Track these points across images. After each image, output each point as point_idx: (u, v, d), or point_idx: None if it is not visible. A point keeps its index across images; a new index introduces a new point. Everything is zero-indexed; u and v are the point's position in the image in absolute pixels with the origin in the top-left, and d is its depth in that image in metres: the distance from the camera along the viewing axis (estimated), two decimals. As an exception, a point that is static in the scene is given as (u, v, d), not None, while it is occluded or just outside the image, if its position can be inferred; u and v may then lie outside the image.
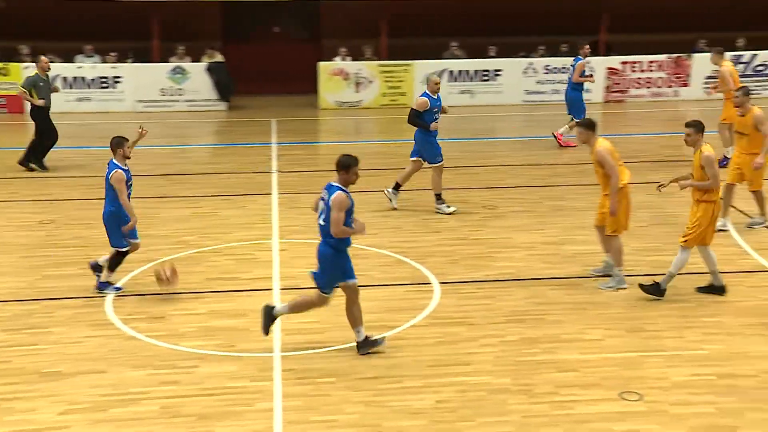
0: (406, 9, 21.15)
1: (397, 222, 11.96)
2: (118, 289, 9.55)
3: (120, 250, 9.40)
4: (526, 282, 9.84)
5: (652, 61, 20.44)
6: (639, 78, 20.58)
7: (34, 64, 15.53)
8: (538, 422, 6.93)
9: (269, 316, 8.03)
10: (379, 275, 10.04)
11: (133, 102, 20.20)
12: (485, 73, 20.55)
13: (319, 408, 7.18)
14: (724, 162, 13.75)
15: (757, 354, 8.00)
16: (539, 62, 20.59)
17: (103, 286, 9.48)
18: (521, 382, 7.57)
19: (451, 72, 20.50)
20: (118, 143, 9.30)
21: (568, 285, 9.73)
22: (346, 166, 7.87)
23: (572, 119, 16.01)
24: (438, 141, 12.38)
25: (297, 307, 8.10)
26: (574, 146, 15.56)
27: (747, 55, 20.49)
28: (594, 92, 20.53)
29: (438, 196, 12.35)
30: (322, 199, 7.83)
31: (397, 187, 12.54)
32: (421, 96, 12.42)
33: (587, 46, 16.64)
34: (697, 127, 8.84)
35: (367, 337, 8.05)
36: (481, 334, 8.51)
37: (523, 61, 20.69)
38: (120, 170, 9.19)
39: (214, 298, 9.50)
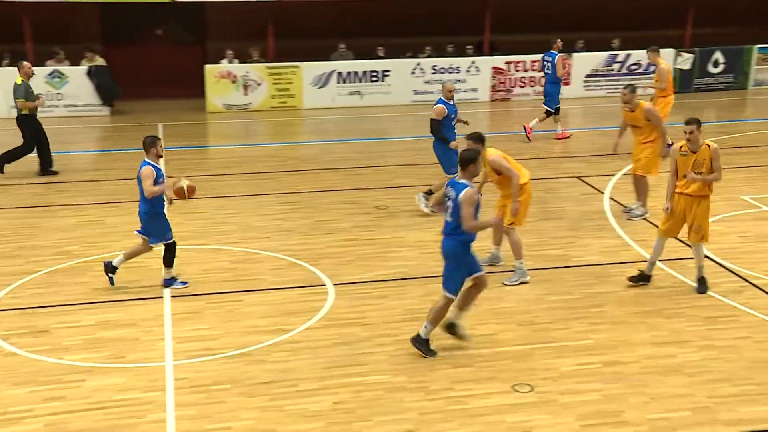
0: (293, 10, 21.06)
1: (290, 225, 11.88)
2: (185, 283, 9.68)
3: (167, 243, 9.52)
4: (420, 280, 9.94)
5: (534, 61, 21.02)
6: (523, 77, 21.14)
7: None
8: (435, 418, 7.02)
9: (452, 327, 8.18)
10: (273, 279, 9.96)
11: (8, 108, 19.31)
12: (374, 74, 20.67)
13: (214, 416, 7.06)
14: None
15: (639, 341, 8.35)
16: (427, 62, 20.86)
17: (168, 283, 9.63)
18: (417, 379, 7.65)
19: (340, 73, 20.53)
20: (151, 142, 9.35)
21: (460, 281, 9.88)
22: (472, 159, 7.90)
23: (546, 111, 16.86)
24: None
25: (437, 319, 8.07)
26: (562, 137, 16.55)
27: (621, 54, 21.35)
28: (480, 91, 20.99)
29: (429, 192, 12.29)
30: (447, 197, 7.91)
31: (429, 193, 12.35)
32: (438, 104, 12.22)
33: (559, 41, 17.19)
34: (699, 124, 9.06)
35: (453, 324, 8.15)
36: (377, 334, 8.55)
37: (411, 62, 20.92)
38: (150, 166, 9.27)
39: (102, 308, 9.19)
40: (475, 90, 21.01)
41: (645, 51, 16.32)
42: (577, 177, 14.09)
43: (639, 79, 21.17)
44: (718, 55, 21.53)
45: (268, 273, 10.10)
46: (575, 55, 21.21)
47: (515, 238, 9.78)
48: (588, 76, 21.26)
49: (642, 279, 9.60)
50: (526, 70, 21.13)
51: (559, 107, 16.97)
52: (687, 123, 9.02)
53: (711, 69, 21.53)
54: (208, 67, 20.18)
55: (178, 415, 7.05)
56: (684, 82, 21.46)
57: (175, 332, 8.51)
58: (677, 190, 9.22)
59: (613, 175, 13.92)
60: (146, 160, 9.35)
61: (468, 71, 20.92)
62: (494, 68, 21.02)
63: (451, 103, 12.24)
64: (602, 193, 13.09)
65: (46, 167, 14.70)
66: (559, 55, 16.92)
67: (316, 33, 21.57)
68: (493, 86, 21.08)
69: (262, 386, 7.52)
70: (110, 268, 9.64)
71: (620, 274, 9.94)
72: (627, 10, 22.39)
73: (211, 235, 11.48)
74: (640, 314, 8.90)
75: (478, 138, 9.56)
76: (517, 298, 9.39)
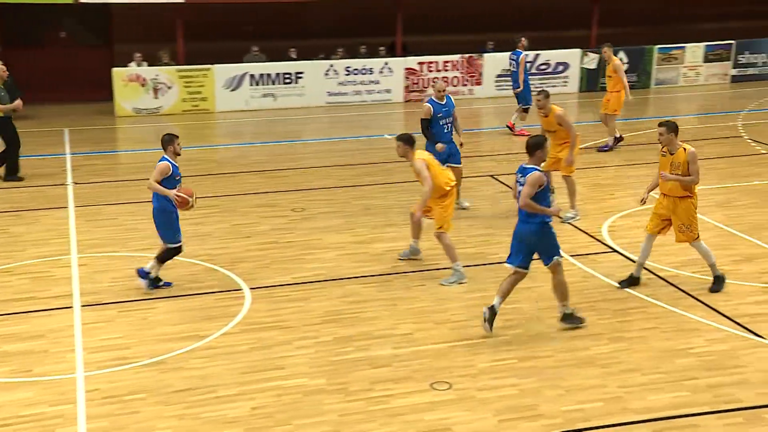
0: (203, 12, 20.75)
1: (206, 229, 11.69)
2: (169, 284, 9.69)
3: (171, 246, 9.44)
4: (339, 282, 9.93)
5: (446, 61, 21.26)
6: (436, 77, 21.33)
7: None
8: (355, 419, 7.02)
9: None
10: (189, 285, 9.77)
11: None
12: (287, 75, 20.54)
13: (129, 426, 6.89)
14: (605, 147, 15.21)
15: (553, 335, 8.52)
16: (340, 64, 20.86)
17: (143, 274, 9.51)
18: (337, 381, 7.63)
19: (252, 75, 20.32)
20: (168, 140, 9.42)
21: (380, 282, 9.92)
22: (539, 145, 8.24)
23: (521, 108, 17.36)
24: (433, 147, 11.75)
25: (565, 293, 8.58)
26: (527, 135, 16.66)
27: (531, 54, 21.78)
28: (394, 92, 21.10)
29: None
30: (518, 182, 8.29)
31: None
32: (426, 102, 12.03)
33: (524, 39, 17.49)
34: (670, 127, 9.10)
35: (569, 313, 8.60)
36: (296, 337, 8.50)
37: (324, 63, 20.88)
38: (167, 162, 9.30)
39: (7, 321, 8.86)
40: (389, 91, 21.11)
41: (572, 50, 16.74)
42: (490, 175, 14.31)
43: (548, 79, 21.69)
44: (621, 55, 22.18)
45: (184, 279, 9.92)
46: (486, 55, 21.52)
47: (446, 242, 9.85)
48: (499, 75, 21.62)
49: (631, 282, 9.58)
50: (438, 71, 21.34)
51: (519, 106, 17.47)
52: (658, 125, 9.21)
53: (616, 68, 22.18)
54: (116, 71, 19.69)
55: (89, 428, 6.85)
56: (590, 82, 22.07)
57: (86, 342, 8.27)
58: (660, 190, 9.37)
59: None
60: (165, 156, 9.39)
61: (381, 72, 21.01)
62: (407, 69, 21.17)
63: (442, 102, 11.94)
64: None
65: (11, 173, 14.22)
66: (522, 54, 17.29)
67: (227, 35, 21.31)
68: (406, 87, 21.22)
69: (179, 394, 7.37)
70: (144, 275, 9.51)
71: (533, 271, 10.11)
72: (535, 10, 22.88)
73: (123, 242, 11.20)
74: (553, 309, 9.06)
75: (407, 140, 9.68)
76: (433, 297, 9.47)
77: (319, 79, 20.70)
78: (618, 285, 9.63)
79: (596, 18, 22.53)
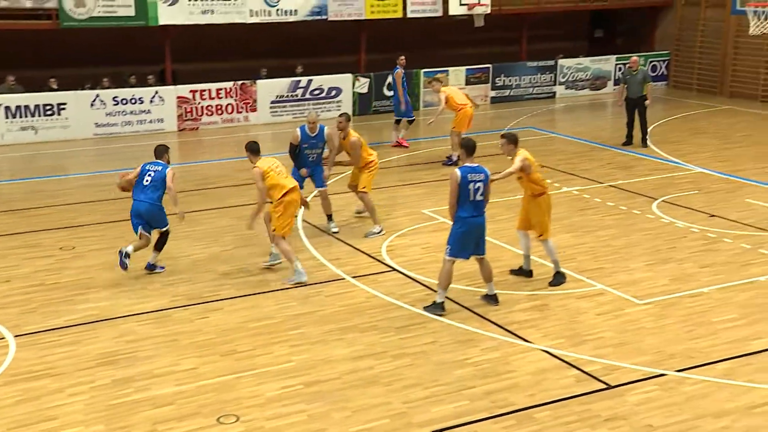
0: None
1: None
2: (162, 268, 11.00)
3: (164, 230, 10.88)
4: (114, 321, 9.45)
5: (219, 89, 21.01)
6: (209, 105, 21.01)
7: None
8: (138, 465, 6.68)
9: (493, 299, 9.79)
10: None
11: None
12: (48, 107, 19.33)
13: None
14: (448, 162, 16.28)
15: (338, 357, 8.60)
16: (107, 94, 19.96)
17: (151, 267, 10.91)
18: (117, 426, 7.25)
19: (8, 108, 18.95)
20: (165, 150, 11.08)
21: (159, 318, 9.56)
22: (471, 148, 9.53)
23: (407, 122, 18.57)
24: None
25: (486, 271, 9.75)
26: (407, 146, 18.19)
27: (304, 80, 22.07)
28: (167, 122, 20.52)
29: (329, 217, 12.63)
30: (472, 181, 9.29)
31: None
32: (298, 129, 12.24)
33: (402, 57, 18.50)
34: (508, 138, 10.12)
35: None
36: (69, 384, 7.98)
37: (90, 93, 19.91)
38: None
39: None
40: (161, 120, 20.48)
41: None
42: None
43: (323, 103, 22.06)
44: (391, 79, 23.07)
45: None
46: (259, 82, 21.52)
47: (284, 247, 10.45)
48: (273, 102, 21.68)
49: (522, 273, 10.65)
50: (212, 98, 21.03)
51: (403, 119, 18.50)
52: (500, 136, 10.28)
53: (386, 92, 22.97)
54: None
55: None
56: (363, 106, 22.69)
57: None
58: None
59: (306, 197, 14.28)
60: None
61: (152, 101, 20.35)
62: (179, 97, 20.67)
63: (313, 134, 12.13)
64: (295, 216, 13.34)
65: None
66: (399, 69, 18.39)
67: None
68: (180, 115, 20.72)
69: (-65, 461, 6.67)
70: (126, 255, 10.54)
71: (317, 294, 10.20)
72: (307, 37, 23.20)
73: None
74: (337, 331, 9.18)
75: (253, 149, 10.62)
76: (217, 329, 9.26)
77: (84, 109, 19.68)
78: (510, 272, 10.73)
79: (364, 45, 23.23)
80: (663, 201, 13.97)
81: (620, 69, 25.61)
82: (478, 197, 9.38)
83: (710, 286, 10.37)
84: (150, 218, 10.68)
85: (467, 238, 9.43)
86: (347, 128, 12.33)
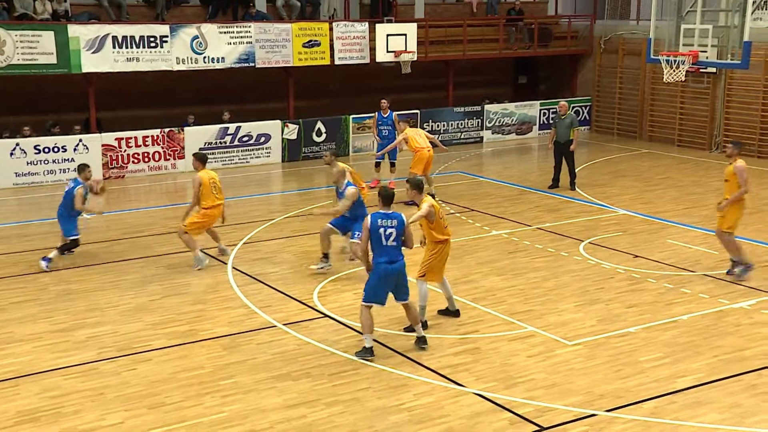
0: None
1: None
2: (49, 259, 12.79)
3: (74, 238, 12.99)
4: (36, 376, 9.12)
5: (146, 137, 20.74)
6: (136, 153, 20.71)
7: None
8: None
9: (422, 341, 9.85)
10: None
11: None
12: (-35, 156, 18.80)
13: None
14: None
15: (271, 406, 8.46)
16: (27, 142, 19.50)
17: (47, 260, 12.76)
18: (39, 487, 6.95)
19: (-76, 157, 18.36)
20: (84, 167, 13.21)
21: (85, 371, 9.27)
22: (389, 198, 9.59)
23: (391, 163, 18.97)
24: None
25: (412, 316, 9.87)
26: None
27: (232, 127, 21.97)
28: (92, 170, 20.05)
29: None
30: (383, 227, 9.39)
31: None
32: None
33: (384, 101, 19.03)
34: (412, 183, 10.25)
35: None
36: (-13, 444, 7.65)
37: (10, 142, 19.42)
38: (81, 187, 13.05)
39: None
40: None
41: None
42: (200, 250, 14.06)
43: (251, 150, 21.97)
44: (320, 125, 23.13)
45: None
46: (187, 129, 21.35)
47: (186, 238, 12.74)
48: (202, 149, 21.46)
49: (449, 314, 10.79)
50: (138, 146, 20.75)
51: (381, 162, 18.95)
52: (406, 181, 10.54)
53: (315, 138, 23.02)
54: None
55: None
56: (292, 151, 22.68)
57: None
58: None
59: (235, 245, 14.15)
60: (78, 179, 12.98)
61: (76, 150, 19.94)
62: (105, 145, 20.32)
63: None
64: (225, 264, 13.21)
65: None
66: (383, 114, 18.98)
67: None
68: (105, 164, 20.35)
69: None
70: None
71: (249, 343, 10.05)
72: (235, 84, 23.17)
73: None
74: (270, 379, 9.04)
75: (200, 158, 12.64)
76: (146, 381, 9.02)
77: (4, 159, 19.17)
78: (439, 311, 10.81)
79: (292, 91, 23.32)
80: (589, 243, 14.28)
81: (545, 114, 26.31)
82: (390, 243, 9.38)
83: (636, 326, 10.59)
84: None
85: (382, 284, 9.44)
86: (333, 162, 13.24)
